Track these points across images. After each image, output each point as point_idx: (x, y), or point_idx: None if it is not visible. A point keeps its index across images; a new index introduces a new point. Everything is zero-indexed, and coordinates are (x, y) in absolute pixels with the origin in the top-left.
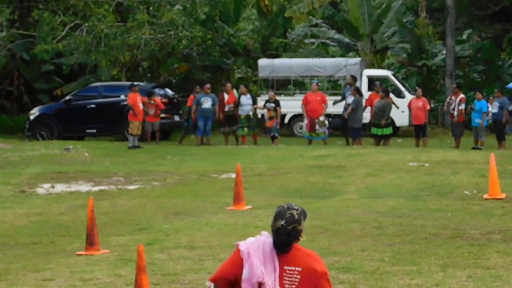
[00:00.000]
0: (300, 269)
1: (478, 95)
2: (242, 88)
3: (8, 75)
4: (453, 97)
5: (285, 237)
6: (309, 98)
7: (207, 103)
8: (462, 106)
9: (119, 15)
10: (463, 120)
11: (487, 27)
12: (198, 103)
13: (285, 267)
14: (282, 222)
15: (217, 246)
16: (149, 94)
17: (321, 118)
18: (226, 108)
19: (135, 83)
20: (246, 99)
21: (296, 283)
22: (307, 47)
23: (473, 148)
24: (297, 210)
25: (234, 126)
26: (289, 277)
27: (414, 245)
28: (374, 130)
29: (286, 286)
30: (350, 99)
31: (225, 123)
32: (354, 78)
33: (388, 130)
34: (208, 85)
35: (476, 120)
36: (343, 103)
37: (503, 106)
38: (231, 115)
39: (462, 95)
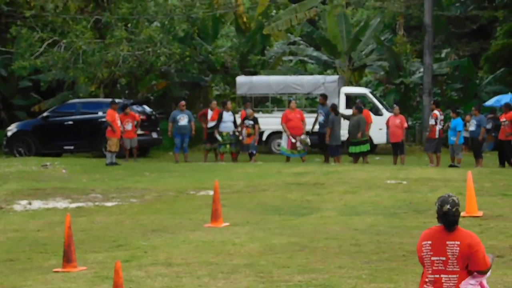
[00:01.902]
0: (458, 242)
1: (452, 113)
2: (228, 104)
3: None
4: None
5: (452, 218)
6: (289, 115)
7: (183, 120)
8: (432, 122)
9: (97, 32)
10: (434, 137)
11: (465, 45)
12: (174, 120)
13: (447, 242)
14: (448, 206)
15: (194, 263)
16: (124, 107)
17: (303, 137)
18: (209, 125)
19: (116, 100)
20: (228, 116)
21: (457, 254)
22: (285, 65)
23: (450, 166)
24: (455, 196)
25: (216, 143)
26: (451, 249)
27: (391, 262)
28: (351, 149)
29: (449, 255)
30: (321, 118)
31: (207, 139)
32: (325, 97)
33: (365, 147)
34: (183, 102)
35: (452, 138)
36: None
37: (480, 124)
38: (213, 131)
39: (434, 111)
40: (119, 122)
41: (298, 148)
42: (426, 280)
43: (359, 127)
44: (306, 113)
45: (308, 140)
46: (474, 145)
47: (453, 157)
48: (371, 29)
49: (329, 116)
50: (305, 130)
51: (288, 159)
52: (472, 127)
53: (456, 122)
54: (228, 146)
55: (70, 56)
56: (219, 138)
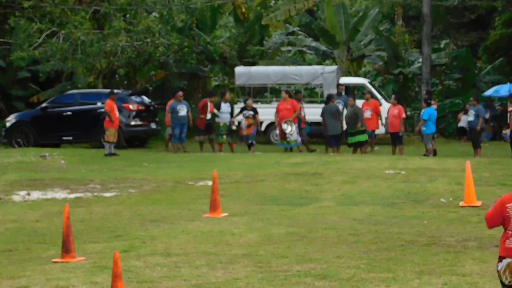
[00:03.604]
0: None
1: (423, 103)
2: (227, 95)
3: None
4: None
5: None
6: (280, 106)
7: (183, 110)
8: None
9: (96, 22)
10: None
11: (463, 35)
12: (174, 111)
13: (506, 205)
14: None
15: (193, 253)
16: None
17: (283, 126)
18: (208, 116)
19: (115, 90)
20: (226, 107)
21: None
22: (284, 55)
23: (424, 155)
24: None
25: (212, 134)
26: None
27: (390, 252)
28: (350, 139)
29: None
30: (340, 107)
31: (204, 130)
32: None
33: (364, 137)
34: (180, 93)
35: (423, 128)
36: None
37: (478, 114)
38: (211, 123)
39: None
40: (117, 113)
41: (288, 139)
42: (509, 234)
43: (357, 118)
44: (304, 104)
45: (289, 128)
46: (472, 135)
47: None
48: (369, 19)
49: (346, 104)
50: (292, 118)
51: (286, 149)
52: (470, 118)
53: (425, 111)
54: (225, 136)
55: (69, 47)
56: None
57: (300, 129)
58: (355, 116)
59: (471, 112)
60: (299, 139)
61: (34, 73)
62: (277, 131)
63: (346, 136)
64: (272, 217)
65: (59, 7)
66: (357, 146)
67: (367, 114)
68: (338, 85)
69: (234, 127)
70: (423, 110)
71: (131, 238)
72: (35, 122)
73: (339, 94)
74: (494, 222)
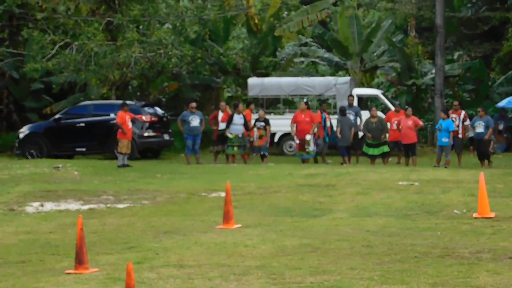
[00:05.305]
0: None
1: (443, 115)
2: (240, 107)
3: None
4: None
5: None
6: (298, 118)
7: (195, 121)
8: (467, 122)
9: (109, 34)
10: (457, 135)
11: (477, 47)
12: (184, 121)
13: None
14: None
15: (206, 265)
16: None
17: (307, 138)
18: (220, 126)
19: (127, 102)
20: (239, 119)
21: None
22: (297, 66)
23: (435, 167)
24: None
25: (225, 145)
26: None
27: (403, 264)
28: (369, 150)
29: None
30: (352, 117)
31: (217, 141)
32: (352, 97)
33: (387, 148)
34: (193, 104)
35: (443, 140)
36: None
37: (488, 125)
38: (224, 133)
39: (454, 112)
40: (130, 124)
41: (307, 150)
42: None
43: (383, 130)
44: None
45: (312, 142)
46: (481, 146)
47: (439, 159)
48: (382, 30)
49: (358, 114)
50: (313, 131)
51: (303, 160)
52: (480, 129)
53: (448, 123)
54: (236, 148)
55: (82, 58)
56: (229, 136)
57: (322, 139)
58: (382, 127)
59: (480, 123)
60: (315, 147)
61: (47, 85)
62: (294, 142)
63: (362, 147)
64: (285, 229)
65: (72, 18)
66: (384, 157)
67: (396, 125)
68: (349, 96)
69: (252, 139)
70: (440, 123)
71: (144, 249)
72: (48, 133)
73: (350, 105)
74: None
